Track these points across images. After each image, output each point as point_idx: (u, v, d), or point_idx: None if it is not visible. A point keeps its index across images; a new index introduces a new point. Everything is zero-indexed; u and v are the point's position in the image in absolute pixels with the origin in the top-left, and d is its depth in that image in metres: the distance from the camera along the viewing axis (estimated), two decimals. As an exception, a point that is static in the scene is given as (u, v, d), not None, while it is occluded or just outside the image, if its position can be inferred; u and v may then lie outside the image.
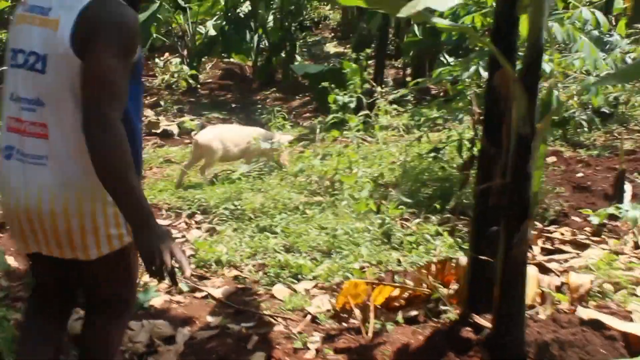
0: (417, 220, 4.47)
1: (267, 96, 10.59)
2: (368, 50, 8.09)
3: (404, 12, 1.93)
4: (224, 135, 6.07)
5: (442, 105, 5.51)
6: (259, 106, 9.38)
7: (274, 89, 10.76)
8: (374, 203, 4.43)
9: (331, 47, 17.25)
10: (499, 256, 2.53)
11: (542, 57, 2.31)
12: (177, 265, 1.92)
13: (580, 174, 6.30)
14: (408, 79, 11.68)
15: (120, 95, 1.92)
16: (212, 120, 8.94)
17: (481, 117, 2.90)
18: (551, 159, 6.47)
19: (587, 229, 4.56)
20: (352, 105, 5.54)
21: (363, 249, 4.11)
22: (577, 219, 4.83)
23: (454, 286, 3.39)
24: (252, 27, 10.36)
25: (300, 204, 4.87)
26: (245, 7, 10.28)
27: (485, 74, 4.56)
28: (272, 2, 10.63)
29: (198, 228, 4.91)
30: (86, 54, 1.91)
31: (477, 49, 5.20)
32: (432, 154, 5.03)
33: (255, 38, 10.92)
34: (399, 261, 4.10)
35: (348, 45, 17.52)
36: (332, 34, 19.70)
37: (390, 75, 11.90)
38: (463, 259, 3.27)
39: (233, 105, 9.89)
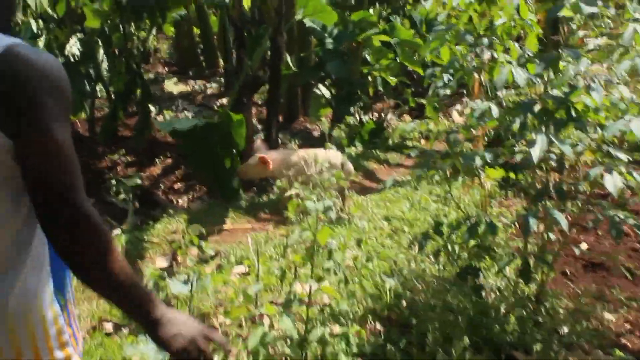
0: None
1: (115, 162, 8.15)
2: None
3: None
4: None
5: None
6: (112, 179, 6.99)
7: (122, 150, 8.36)
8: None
9: (172, 86, 14.89)
10: None
11: None
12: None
13: (584, 245, 4.77)
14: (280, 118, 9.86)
15: (79, 174, 1.37)
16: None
17: None
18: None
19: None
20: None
21: None
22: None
23: None
24: (89, 73, 7.82)
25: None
26: (76, 49, 7.70)
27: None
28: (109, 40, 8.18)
29: None
30: (20, 129, 1.28)
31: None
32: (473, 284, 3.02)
33: (90, 87, 8.44)
34: None
35: (191, 81, 15.19)
36: (167, 69, 17.34)
37: (254, 115, 9.92)
38: None
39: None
